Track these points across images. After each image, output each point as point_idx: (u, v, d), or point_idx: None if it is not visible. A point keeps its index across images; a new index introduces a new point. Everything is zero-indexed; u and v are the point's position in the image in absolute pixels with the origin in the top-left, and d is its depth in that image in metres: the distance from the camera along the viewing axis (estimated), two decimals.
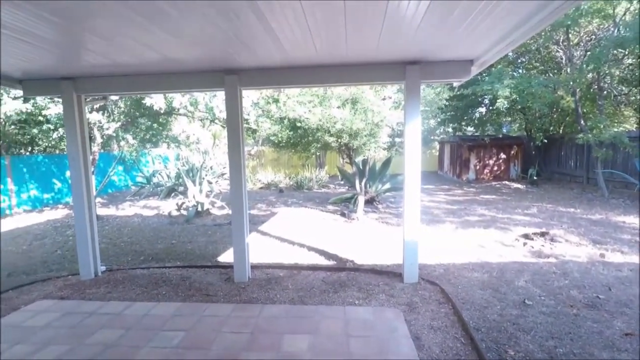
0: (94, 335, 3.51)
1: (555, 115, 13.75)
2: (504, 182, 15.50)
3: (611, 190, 11.18)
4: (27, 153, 11.92)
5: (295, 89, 7.44)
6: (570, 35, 11.15)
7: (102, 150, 12.54)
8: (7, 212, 10.22)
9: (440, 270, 5.22)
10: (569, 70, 11.16)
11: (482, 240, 6.73)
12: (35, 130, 8.78)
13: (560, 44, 11.57)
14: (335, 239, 6.99)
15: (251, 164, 18.19)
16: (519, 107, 12.64)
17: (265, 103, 8.29)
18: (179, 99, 7.22)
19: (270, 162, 18.13)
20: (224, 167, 15.79)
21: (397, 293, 4.41)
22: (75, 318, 3.84)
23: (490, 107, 14.43)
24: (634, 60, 10.84)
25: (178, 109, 7.67)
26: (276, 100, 8.07)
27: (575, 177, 13.95)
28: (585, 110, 11.43)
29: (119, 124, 8.39)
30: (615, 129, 10.12)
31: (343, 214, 9.28)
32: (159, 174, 13.68)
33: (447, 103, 10.03)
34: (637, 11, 9.50)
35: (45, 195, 11.57)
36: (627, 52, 10.12)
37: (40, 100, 7.00)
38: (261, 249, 6.35)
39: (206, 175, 12.97)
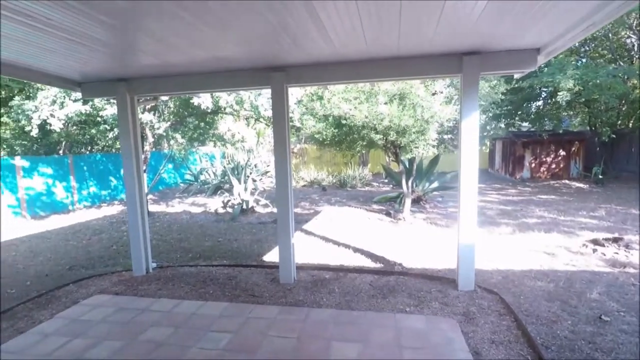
0: (146, 332, 3.56)
1: (624, 108, 12.47)
2: (563, 181, 14.35)
3: None
4: (87, 152, 12.74)
5: (341, 86, 7.25)
6: None
7: (153, 149, 13.15)
8: (70, 207, 10.97)
9: (497, 278, 4.83)
10: None
11: (543, 245, 6.19)
12: (93, 131, 9.33)
13: (634, 28, 10.42)
14: (381, 240, 6.74)
15: (294, 161, 18.26)
16: (583, 99, 11.58)
17: (309, 100, 8.18)
18: (225, 98, 7.30)
19: (313, 160, 18.11)
20: (267, 165, 15.97)
21: (452, 301, 4.11)
22: (129, 314, 3.93)
23: (549, 101, 13.36)
24: None
25: (224, 108, 7.76)
26: (320, 98, 7.93)
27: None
28: None
29: (169, 123, 8.68)
30: None
31: (388, 214, 8.99)
32: (206, 171, 14.08)
33: (503, 97, 9.35)
34: None
35: (103, 192, 12.30)
36: None
37: (97, 102, 7.38)
38: (306, 249, 6.25)
39: (251, 173, 13.16)
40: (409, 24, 3.09)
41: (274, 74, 4.37)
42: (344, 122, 6.97)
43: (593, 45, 12.58)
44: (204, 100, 7.02)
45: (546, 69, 10.96)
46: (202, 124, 9.31)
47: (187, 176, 15.07)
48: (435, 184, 10.43)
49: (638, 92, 9.90)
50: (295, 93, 8.21)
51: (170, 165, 15.43)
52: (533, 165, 15.11)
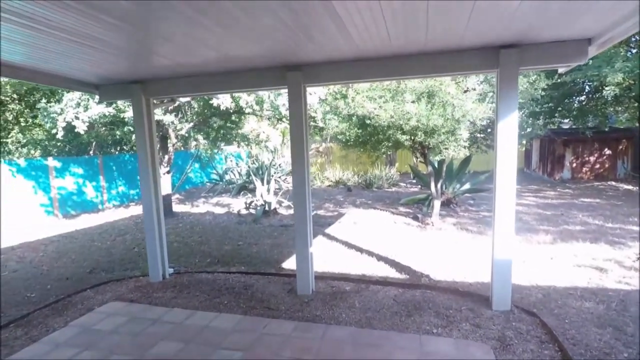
0: (155, 346, 3.41)
1: None
2: (608, 183, 13.29)
3: None
4: (116, 152, 13.03)
5: (365, 84, 6.89)
6: None
7: (180, 149, 13.27)
8: (99, 206, 11.23)
9: (537, 295, 4.35)
10: None
11: (590, 257, 5.60)
12: (118, 132, 9.47)
13: None
14: (407, 248, 6.36)
15: (319, 160, 18.02)
16: (633, 94, 10.59)
17: (333, 99, 7.87)
18: (245, 98, 7.14)
19: (339, 159, 17.77)
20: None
21: (485, 323, 3.71)
22: (140, 325, 3.80)
23: (594, 96, 12.36)
24: None
25: (244, 108, 7.60)
26: (344, 96, 7.61)
27: None
28: None
29: (192, 124, 8.64)
30: None
31: (416, 218, 8.56)
32: (231, 171, 14.09)
33: (543, 93, 8.62)
34: None
35: (131, 192, 12.54)
36: None
37: (120, 103, 7.43)
38: (326, 256, 5.98)
39: (274, 173, 13.04)
40: (436, 18, 2.75)
41: (290, 74, 4.10)
42: (368, 122, 6.62)
43: None
44: (223, 100, 6.89)
45: (591, 61, 10.08)
46: (226, 124, 9.22)
47: (213, 176, 15.17)
48: (466, 186, 9.87)
49: None
50: (318, 91, 7.93)
51: (196, 165, 15.58)
52: (574, 165, 14.10)
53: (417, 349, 3.29)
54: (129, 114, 7.44)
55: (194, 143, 9.85)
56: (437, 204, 8.04)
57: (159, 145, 9.11)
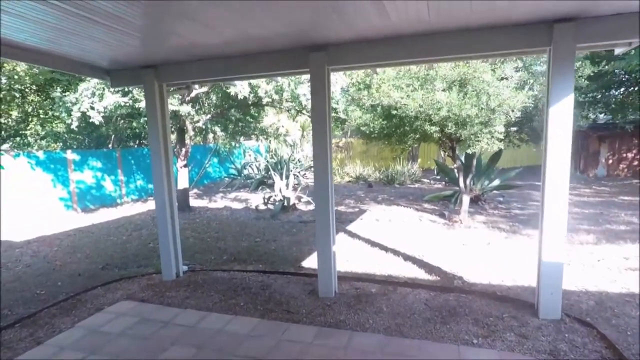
0: (166, 352, 3.12)
1: None
2: None
3: None
4: (135, 146, 12.97)
5: (391, 72, 6.45)
6: None
7: (199, 143, 13.11)
8: (118, 200, 11.17)
9: (589, 302, 3.87)
10: None
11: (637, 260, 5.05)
12: (135, 124, 9.28)
13: None
14: (435, 247, 5.92)
15: (339, 156, 17.61)
16: None
17: (356, 90, 7.44)
18: (264, 87, 6.80)
19: (359, 155, 17.31)
20: (311, 160, 15.44)
21: (532, 333, 3.28)
22: (151, 327, 3.53)
23: (635, 88, 11.49)
24: None
25: (263, 98, 7.25)
26: (368, 86, 7.18)
27: None
28: None
29: (209, 116, 8.37)
30: None
31: (442, 215, 8.08)
32: (250, 166, 13.86)
33: (587, 82, 7.93)
34: None
35: (149, 186, 12.45)
36: None
37: (136, 93, 7.22)
38: (349, 254, 5.61)
39: (294, 168, 12.74)
40: None
41: (313, 54, 3.74)
42: (394, 112, 6.17)
43: None
44: (240, 89, 6.57)
45: (633, 51, 9.30)
46: (245, 117, 8.93)
47: (231, 170, 14.98)
48: (495, 182, 9.30)
49: None
50: (339, 81, 7.52)
51: (215, 159, 15.42)
52: (610, 161, 13.25)
53: None
54: (143, 103, 7.18)
55: (211, 136, 9.55)
56: (465, 200, 7.55)
57: (175, 138, 8.92)
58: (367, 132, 7.36)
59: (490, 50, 3.41)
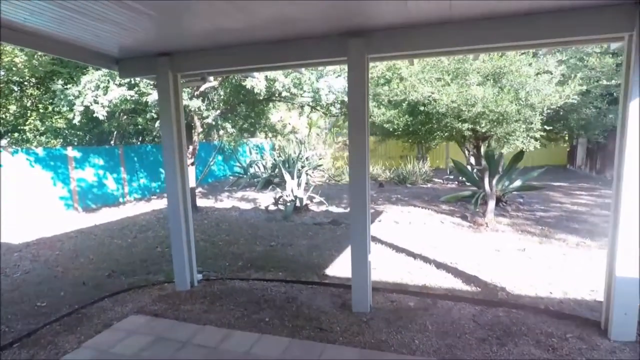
0: None
1: None
2: None
3: None
4: (138, 143, 12.50)
5: (416, 65, 6.00)
6: None
7: (202, 140, 12.67)
8: (120, 200, 10.72)
9: None
10: None
11: None
12: (140, 120, 8.81)
13: None
14: (466, 252, 5.50)
15: (346, 154, 17.15)
16: None
17: (375, 85, 6.98)
18: (282, 80, 6.36)
19: None
20: (320, 158, 15.00)
21: (604, 356, 2.88)
22: (167, 348, 3.10)
23: None
24: None
25: (280, 92, 6.80)
26: (388, 81, 6.74)
27: None
28: None
29: (218, 112, 7.92)
30: None
31: (464, 217, 7.67)
32: (256, 164, 13.42)
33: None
34: None
35: (153, 184, 12.01)
36: None
37: (143, 86, 6.76)
38: (375, 261, 5.18)
39: (302, 167, 12.30)
40: None
41: (352, 41, 3.30)
42: (421, 108, 5.73)
43: None
44: (257, 82, 6.12)
45: None
46: (253, 113, 8.46)
47: (236, 169, 14.54)
48: (517, 183, 8.88)
49: None
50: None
51: (219, 157, 14.98)
52: None
53: None
54: (152, 97, 6.70)
55: (221, 132, 9.08)
56: (491, 203, 7.13)
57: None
58: (391, 129, 6.91)
59: (560, 36, 2.97)
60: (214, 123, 7.75)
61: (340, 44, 3.35)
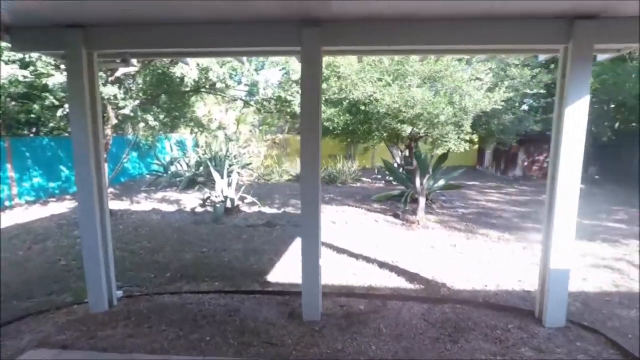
0: None
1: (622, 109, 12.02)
2: None
3: None
4: (31, 134, 10.61)
5: (357, 65, 5.93)
6: None
7: (115, 134, 11.25)
8: (7, 203, 8.96)
9: (575, 304, 3.83)
10: None
11: (597, 257, 5.29)
12: (36, 107, 7.33)
13: None
14: (404, 250, 5.60)
15: (274, 152, 16.77)
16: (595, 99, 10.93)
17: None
18: (217, 70, 5.77)
19: (296, 152, 16.66)
20: (249, 157, 14.36)
21: (545, 345, 3.07)
22: None
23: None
24: None
25: (213, 83, 6.18)
26: (326, 79, 6.58)
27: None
28: None
29: (137, 102, 6.97)
30: None
31: (396, 215, 7.87)
32: (178, 162, 12.35)
33: (543, 91, 8.28)
34: None
35: (51, 184, 10.30)
36: None
37: (42, 66, 5.59)
38: None
39: (231, 164, 11.62)
40: None
41: (306, 30, 3.03)
42: (362, 107, 5.68)
43: None
44: (189, 70, 5.47)
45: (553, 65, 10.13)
46: (179, 105, 7.59)
47: (155, 166, 13.22)
48: (441, 182, 9.43)
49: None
50: (298, 68, 6.77)
51: (134, 154, 13.48)
52: (526, 163, 14.59)
53: None
54: (55, 79, 5.48)
55: (140, 125, 7.98)
56: (422, 201, 7.43)
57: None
58: (331, 127, 6.75)
59: (509, 42, 3.09)
60: (132, 114, 6.78)
61: (294, 33, 3.07)
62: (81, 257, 3.64)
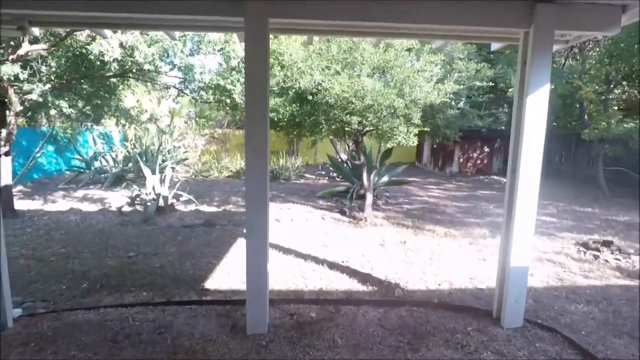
0: None
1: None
2: (491, 177, 14.74)
3: (612, 189, 10.62)
4: None
5: (301, 53, 5.56)
6: None
7: (26, 124, 9.76)
8: None
9: (528, 301, 3.77)
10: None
11: (538, 251, 5.48)
12: None
13: None
14: (354, 249, 5.38)
15: (213, 147, 15.85)
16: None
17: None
18: (144, 50, 5.03)
19: (237, 147, 15.90)
20: (185, 151, 13.34)
21: (505, 347, 2.96)
22: None
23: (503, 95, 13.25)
24: None
25: (141, 66, 5.41)
26: (270, 67, 6.13)
27: (564, 172, 13.51)
28: (590, 105, 10.61)
29: (48, 86, 5.94)
30: (626, 124, 9.37)
31: (343, 212, 7.68)
32: (102, 157, 11.09)
33: (490, 84, 8.48)
34: None
35: None
36: None
37: None
38: None
39: (165, 160, 10.66)
40: None
41: (250, 1, 2.61)
42: (309, 97, 5.33)
43: None
44: (109, 47, 4.68)
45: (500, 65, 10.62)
46: (100, 91, 6.60)
47: (75, 162, 11.76)
48: (385, 178, 9.45)
49: (584, 92, 9.84)
50: (239, 51, 6.21)
51: (50, 147, 11.88)
52: (461, 160, 15.32)
53: None
54: None
55: (52, 113, 6.78)
56: (369, 197, 7.32)
57: None
58: (276, 119, 6.29)
59: (465, 23, 2.90)
60: (41, 100, 5.73)
61: (236, 2, 2.62)
62: None
